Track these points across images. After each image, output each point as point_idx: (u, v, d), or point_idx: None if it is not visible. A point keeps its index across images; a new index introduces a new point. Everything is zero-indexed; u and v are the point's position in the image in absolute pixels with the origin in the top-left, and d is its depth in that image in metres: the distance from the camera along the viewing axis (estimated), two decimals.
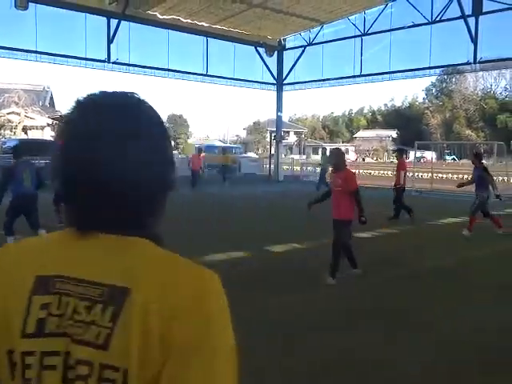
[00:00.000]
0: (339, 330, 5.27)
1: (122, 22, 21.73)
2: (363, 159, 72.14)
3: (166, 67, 23.82)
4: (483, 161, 11.32)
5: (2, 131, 47.01)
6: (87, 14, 21.23)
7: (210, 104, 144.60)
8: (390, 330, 5.30)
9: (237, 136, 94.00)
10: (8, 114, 47.08)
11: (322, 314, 5.77)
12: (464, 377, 4.27)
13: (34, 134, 47.85)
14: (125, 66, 22.57)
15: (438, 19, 21.04)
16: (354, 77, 24.97)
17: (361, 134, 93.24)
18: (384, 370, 4.33)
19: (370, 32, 23.68)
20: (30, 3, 19.23)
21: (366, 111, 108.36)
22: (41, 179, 8.63)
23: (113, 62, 22.05)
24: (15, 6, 18.89)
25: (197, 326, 0.85)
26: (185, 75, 25.03)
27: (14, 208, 8.44)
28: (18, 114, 46.95)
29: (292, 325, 5.36)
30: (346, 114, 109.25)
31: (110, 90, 1.01)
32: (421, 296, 6.60)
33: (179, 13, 22.81)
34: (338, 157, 7.13)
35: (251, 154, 61.44)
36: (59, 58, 21.38)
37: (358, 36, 24.17)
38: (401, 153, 14.43)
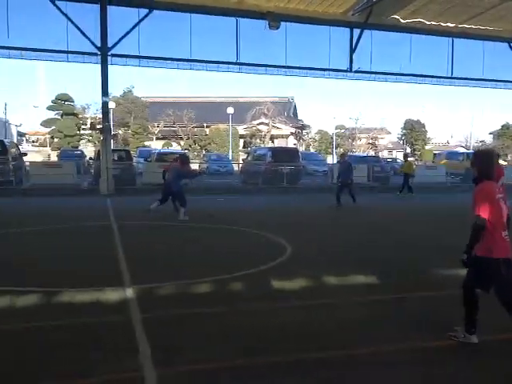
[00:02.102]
0: None
1: (365, 31, 22.07)
2: None
3: (408, 72, 23.38)
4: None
5: (253, 140, 52.44)
6: (331, 27, 22.19)
7: (452, 108, 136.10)
8: None
9: (481, 142, 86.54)
10: (258, 124, 52.29)
11: None
12: None
13: (279, 143, 52.15)
14: (366, 74, 22.93)
15: None
16: None
17: None
18: None
19: None
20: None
21: None
22: (182, 176, 13.13)
23: (355, 71, 22.57)
24: (269, 27, 20.82)
25: None
26: (428, 79, 24.18)
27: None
28: (267, 124, 51.73)
29: None
30: None
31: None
32: None
33: (423, 15, 22.14)
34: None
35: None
36: (304, 70, 22.81)
37: None
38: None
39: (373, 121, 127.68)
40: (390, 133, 77.92)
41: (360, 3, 20.89)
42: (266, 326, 5.15)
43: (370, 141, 66.08)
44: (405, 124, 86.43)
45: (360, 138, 67.25)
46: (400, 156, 67.22)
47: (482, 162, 4.80)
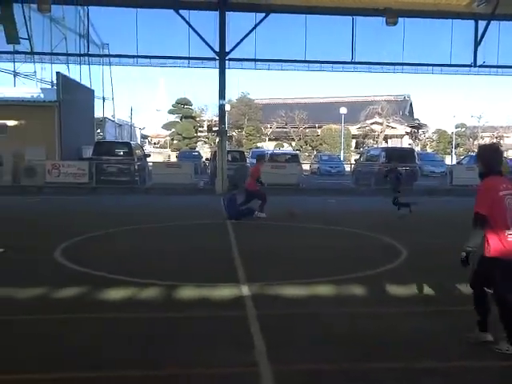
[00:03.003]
0: None
1: (491, 22, 20.60)
2: None
3: None
4: None
5: (366, 140, 51.40)
6: (453, 20, 21.01)
7: None
8: None
9: None
10: (371, 124, 51.15)
11: None
12: None
13: (393, 143, 50.54)
14: (493, 69, 21.38)
15: None
16: None
17: None
18: None
19: None
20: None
21: None
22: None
23: (479, 66, 21.14)
24: (386, 23, 20.13)
25: None
26: None
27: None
28: (380, 123, 50.42)
29: None
30: None
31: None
32: None
33: None
34: None
35: None
36: (423, 66, 21.82)
37: None
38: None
39: (498, 118, 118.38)
40: None
41: None
42: (374, 330, 5.01)
43: (495, 140, 61.56)
44: None
45: (483, 137, 62.92)
46: None
47: (486, 156, 4.63)
